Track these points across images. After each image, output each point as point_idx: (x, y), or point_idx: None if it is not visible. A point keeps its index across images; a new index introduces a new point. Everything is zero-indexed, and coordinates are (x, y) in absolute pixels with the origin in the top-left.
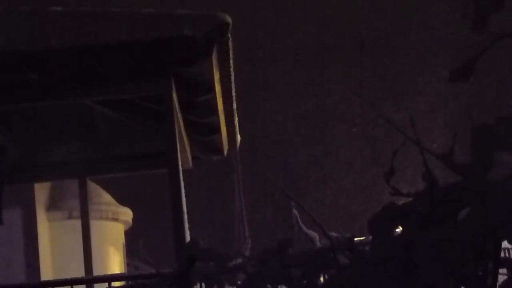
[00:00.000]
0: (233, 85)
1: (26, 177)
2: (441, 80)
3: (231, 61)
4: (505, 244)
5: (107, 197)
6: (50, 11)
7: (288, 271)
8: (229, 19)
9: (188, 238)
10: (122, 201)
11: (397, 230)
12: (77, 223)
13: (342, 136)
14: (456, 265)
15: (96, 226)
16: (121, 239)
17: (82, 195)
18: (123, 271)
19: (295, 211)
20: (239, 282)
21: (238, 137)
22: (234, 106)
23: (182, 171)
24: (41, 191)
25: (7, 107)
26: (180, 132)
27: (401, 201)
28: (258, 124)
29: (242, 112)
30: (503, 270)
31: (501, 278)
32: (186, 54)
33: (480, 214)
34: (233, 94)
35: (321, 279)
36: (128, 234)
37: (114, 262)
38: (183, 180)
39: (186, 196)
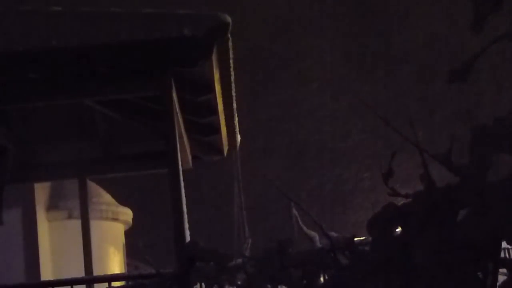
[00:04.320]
0: (233, 85)
1: (26, 177)
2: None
3: (231, 61)
4: (505, 244)
5: (107, 197)
6: (50, 11)
7: (288, 271)
8: (229, 19)
9: (188, 238)
10: (122, 201)
11: (397, 230)
12: (77, 223)
13: (342, 136)
14: (456, 265)
15: (96, 226)
16: (121, 239)
17: (82, 195)
18: (123, 271)
19: (295, 211)
20: (239, 282)
21: (238, 137)
22: (234, 106)
23: (182, 171)
24: (41, 191)
25: (7, 107)
26: (180, 132)
27: (400, 202)
28: (258, 124)
29: (242, 112)
30: (503, 270)
31: (501, 278)
32: (186, 54)
33: (480, 214)
34: (233, 94)
35: (321, 279)
36: (128, 234)
37: (114, 262)
38: (183, 180)
39: (186, 196)
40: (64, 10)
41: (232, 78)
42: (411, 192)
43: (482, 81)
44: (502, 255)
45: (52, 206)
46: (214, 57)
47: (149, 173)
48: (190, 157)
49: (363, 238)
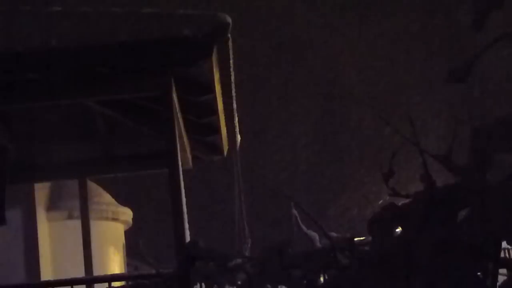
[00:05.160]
0: (233, 85)
1: (26, 177)
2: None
3: (231, 61)
4: (505, 244)
5: (107, 197)
6: (50, 11)
7: (288, 271)
8: (229, 19)
9: (188, 238)
10: (122, 201)
11: (397, 230)
12: (77, 223)
13: (343, 136)
14: (456, 265)
15: (96, 226)
16: (121, 239)
17: (82, 195)
18: (123, 271)
19: (295, 211)
20: (239, 282)
21: (238, 137)
22: (234, 106)
23: (182, 171)
24: (41, 191)
25: (7, 107)
26: (180, 132)
27: (401, 202)
28: (259, 124)
29: (242, 111)
30: (503, 270)
31: (501, 278)
32: (186, 54)
33: (480, 214)
34: (233, 94)
35: (321, 279)
36: (128, 234)
37: (114, 262)
38: (183, 180)
39: (186, 196)
40: (64, 10)
41: (232, 78)
42: (411, 192)
43: (483, 81)
44: (502, 255)
45: (52, 206)
46: (214, 57)
47: (149, 173)
48: (190, 157)
49: (363, 238)
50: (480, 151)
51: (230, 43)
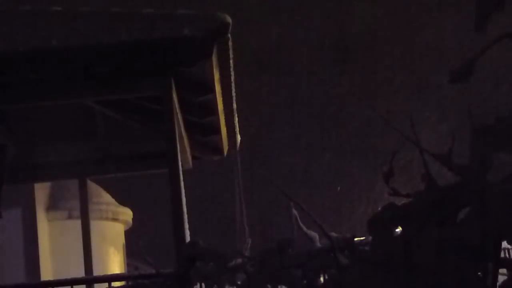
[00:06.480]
0: (233, 85)
1: (26, 177)
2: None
3: (231, 61)
4: (505, 244)
5: (107, 197)
6: (50, 11)
7: (288, 271)
8: (229, 19)
9: (188, 238)
10: (122, 201)
11: (397, 230)
12: (77, 223)
13: (342, 137)
14: (456, 265)
15: (96, 226)
16: (121, 239)
17: (82, 195)
18: (123, 271)
19: (295, 211)
20: (239, 282)
21: (238, 137)
22: (234, 106)
23: (182, 171)
24: (41, 191)
25: (7, 107)
26: (180, 132)
27: (401, 201)
28: (258, 124)
29: (242, 112)
30: (503, 270)
31: (501, 278)
32: (186, 54)
33: (480, 214)
34: (233, 94)
35: (321, 279)
36: (128, 234)
37: (114, 262)
38: (183, 180)
39: (186, 196)
40: (64, 10)
41: (232, 78)
42: (412, 192)
43: (483, 79)
44: (502, 255)
45: (52, 206)
46: (214, 57)
47: (149, 173)
48: (190, 157)
49: (363, 238)
50: (480, 151)
51: (230, 43)
